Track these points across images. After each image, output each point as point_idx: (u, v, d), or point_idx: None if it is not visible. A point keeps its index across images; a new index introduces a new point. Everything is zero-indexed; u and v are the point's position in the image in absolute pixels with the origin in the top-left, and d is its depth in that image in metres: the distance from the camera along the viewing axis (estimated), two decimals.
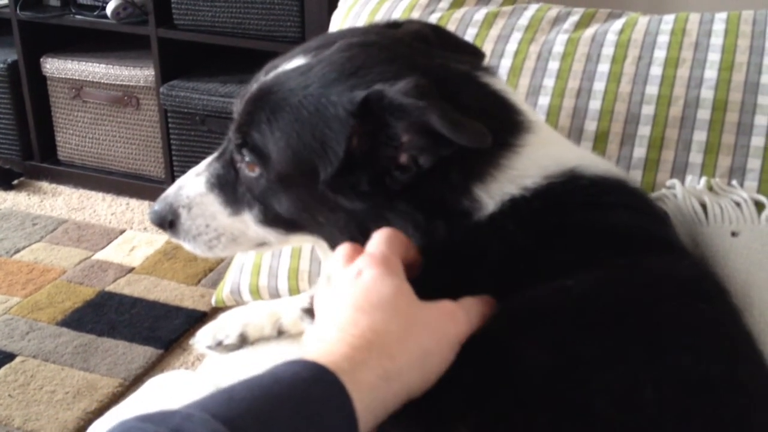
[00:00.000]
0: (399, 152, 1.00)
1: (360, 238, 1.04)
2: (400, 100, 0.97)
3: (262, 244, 1.21)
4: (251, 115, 1.09)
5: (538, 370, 0.88)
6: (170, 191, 1.21)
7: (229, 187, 1.17)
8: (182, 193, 1.20)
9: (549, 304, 0.95)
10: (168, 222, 1.20)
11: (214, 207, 1.18)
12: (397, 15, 1.64)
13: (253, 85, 1.14)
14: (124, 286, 3.00)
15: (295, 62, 1.11)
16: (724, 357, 0.94)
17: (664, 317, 0.95)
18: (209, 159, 1.21)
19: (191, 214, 1.19)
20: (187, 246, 1.22)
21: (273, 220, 1.14)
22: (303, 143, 1.04)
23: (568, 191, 1.06)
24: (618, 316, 0.94)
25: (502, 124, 1.09)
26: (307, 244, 1.24)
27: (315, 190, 1.05)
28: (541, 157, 1.08)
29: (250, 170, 1.11)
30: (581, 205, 1.05)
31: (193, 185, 1.19)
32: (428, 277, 1.01)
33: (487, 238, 1.02)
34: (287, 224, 1.14)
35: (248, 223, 1.17)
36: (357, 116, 1.00)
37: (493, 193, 1.03)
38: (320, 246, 1.19)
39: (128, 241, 3.32)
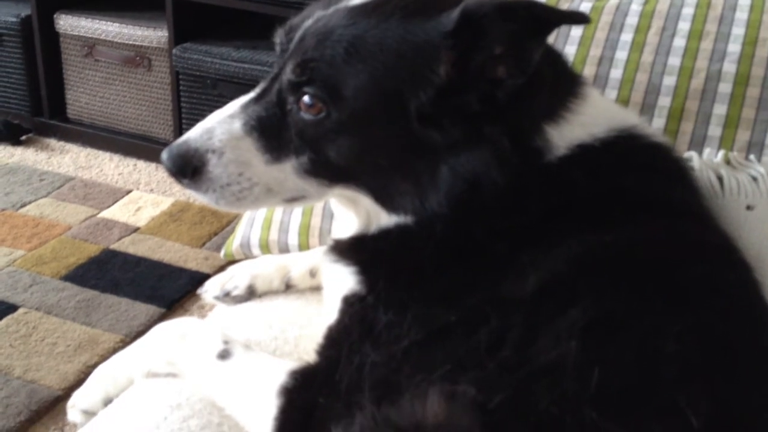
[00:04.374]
0: (496, 66, 1.00)
1: (423, 180, 1.04)
2: (504, 2, 0.97)
3: (296, 199, 1.14)
4: (319, 50, 1.03)
5: (572, 324, 0.89)
6: (193, 135, 1.10)
7: (272, 132, 1.08)
8: (212, 136, 1.08)
9: (588, 257, 0.96)
10: (192, 169, 1.08)
11: (250, 153, 1.08)
12: None
13: (308, 21, 1.09)
14: (128, 245, 3.00)
15: None
16: (747, 321, 0.95)
17: (692, 278, 0.96)
18: (243, 100, 1.11)
19: (222, 160, 1.08)
20: (208, 198, 1.11)
21: (321, 168, 1.08)
22: (391, 74, 1.01)
23: (631, 149, 1.09)
24: (649, 273, 0.95)
25: (566, 73, 1.12)
26: (343, 199, 1.16)
27: (394, 126, 1.03)
28: (605, 108, 1.12)
29: (312, 112, 1.04)
30: (639, 167, 1.08)
31: (227, 128, 1.08)
32: (486, 216, 1.02)
33: (552, 183, 1.03)
34: (336, 173, 1.08)
35: (288, 172, 1.09)
36: (454, 35, 0.99)
37: (564, 135, 1.05)
38: (352, 202, 1.15)
39: (134, 201, 3.32)
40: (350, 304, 1.11)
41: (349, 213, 1.18)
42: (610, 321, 0.90)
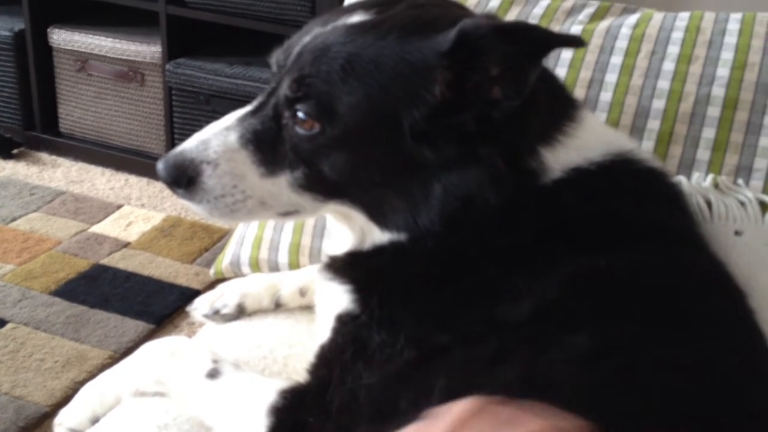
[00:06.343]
0: (491, 87, 1.01)
1: (415, 197, 1.04)
2: (501, 24, 0.99)
3: (289, 213, 1.15)
4: (316, 66, 1.04)
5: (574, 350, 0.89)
6: (189, 145, 1.10)
7: (267, 145, 1.08)
8: (208, 147, 1.09)
9: (582, 282, 0.96)
10: (187, 179, 1.09)
11: (245, 166, 1.09)
12: None
13: (305, 38, 1.09)
14: (118, 260, 2.99)
15: (357, 17, 1.08)
16: (745, 350, 0.96)
17: (691, 306, 0.96)
18: (240, 113, 1.12)
19: (217, 172, 1.08)
20: (202, 209, 1.12)
21: (315, 183, 1.08)
22: (386, 92, 1.02)
23: (626, 174, 1.09)
24: (647, 300, 0.95)
25: (562, 96, 1.13)
26: (337, 214, 1.17)
27: (388, 143, 1.03)
28: (601, 132, 1.13)
29: (307, 127, 1.04)
30: (634, 192, 1.08)
31: (222, 140, 1.09)
32: (478, 236, 1.02)
33: (546, 206, 1.04)
34: (330, 189, 1.09)
35: (282, 185, 1.10)
36: (450, 55, 1.00)
37: (559, 158, 1.06)
38: (346, 218, 1.15)
39: (125, 216, 3.31)
40: (344, 323, 1.10)
41: (344, 228, 1.18)
42: (616, 350, 0.89)
